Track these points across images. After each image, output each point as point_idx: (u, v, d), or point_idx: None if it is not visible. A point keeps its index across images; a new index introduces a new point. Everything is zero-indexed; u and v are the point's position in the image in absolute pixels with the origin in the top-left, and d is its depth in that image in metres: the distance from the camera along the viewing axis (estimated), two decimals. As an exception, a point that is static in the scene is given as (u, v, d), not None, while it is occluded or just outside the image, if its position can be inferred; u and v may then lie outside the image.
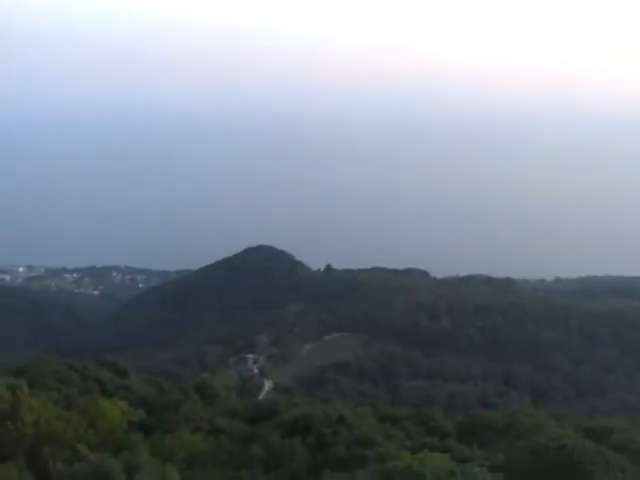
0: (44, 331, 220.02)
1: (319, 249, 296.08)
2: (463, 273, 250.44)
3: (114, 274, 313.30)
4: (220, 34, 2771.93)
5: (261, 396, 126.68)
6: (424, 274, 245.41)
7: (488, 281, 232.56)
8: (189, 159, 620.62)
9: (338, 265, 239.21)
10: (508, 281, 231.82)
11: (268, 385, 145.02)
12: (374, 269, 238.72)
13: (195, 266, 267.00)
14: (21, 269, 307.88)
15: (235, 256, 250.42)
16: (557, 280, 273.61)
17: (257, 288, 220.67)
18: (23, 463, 29.65)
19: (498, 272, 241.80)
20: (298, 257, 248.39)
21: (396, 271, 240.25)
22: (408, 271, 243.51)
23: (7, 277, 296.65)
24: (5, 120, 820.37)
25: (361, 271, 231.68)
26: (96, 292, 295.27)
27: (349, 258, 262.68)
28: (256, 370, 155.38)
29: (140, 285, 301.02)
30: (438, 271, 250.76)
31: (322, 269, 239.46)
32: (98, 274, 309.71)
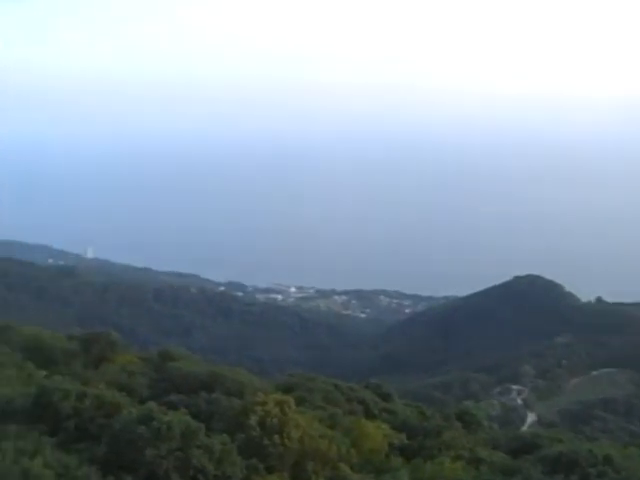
0: (311, 349, 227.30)
1: (589, 281, 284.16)
2: None
3: (381, 298, 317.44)
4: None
5: (524, 428, 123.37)
6: None
7: None
8: (457, 183, 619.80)
9: (609, 298, 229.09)
10: None
11: (531, 417, 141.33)
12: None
13: (462, 293, 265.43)
14: (292, 289, 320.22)
15: (503, 284, 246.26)
16: None
17: (524, 317, 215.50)
18: (287, 476, 30.46)
19: None
20: (568, 288, 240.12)
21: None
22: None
23: (279, 297, 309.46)
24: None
25: (633, 305, 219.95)
26: (363, 315, 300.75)
27: (621, 291, 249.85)
28: (520, 401, 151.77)
29: (407, 310, 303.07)
30: None
31: (592, 301, 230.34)
32: (366, 297, 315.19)
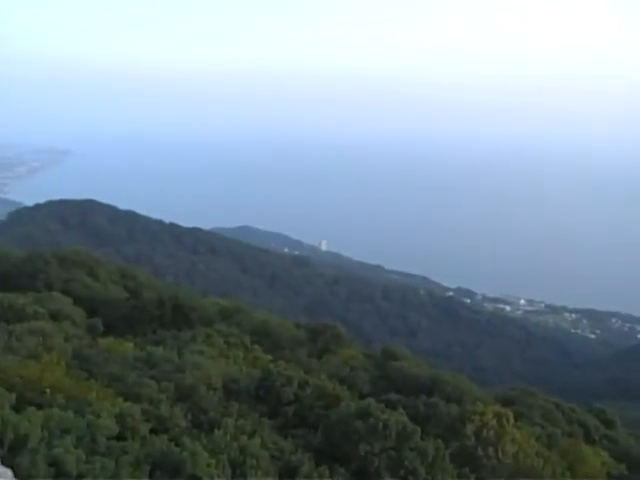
0: (535, 365, 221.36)
1: None
2: None
3: (613, 320, 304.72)
4: None
5: None
6: None
7: None
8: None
9: None
10: None
11: None
12: None
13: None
14: (522, 302, 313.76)
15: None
16: None
17: None
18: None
19: None
20: None
21: None
22: None
23: (507, 308, 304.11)
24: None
25: None
26: (592, 335, 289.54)
27: None
28: None
29: (638, 335, 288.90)
30: None
31: None
32: (597, 318, 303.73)
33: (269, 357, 44.94)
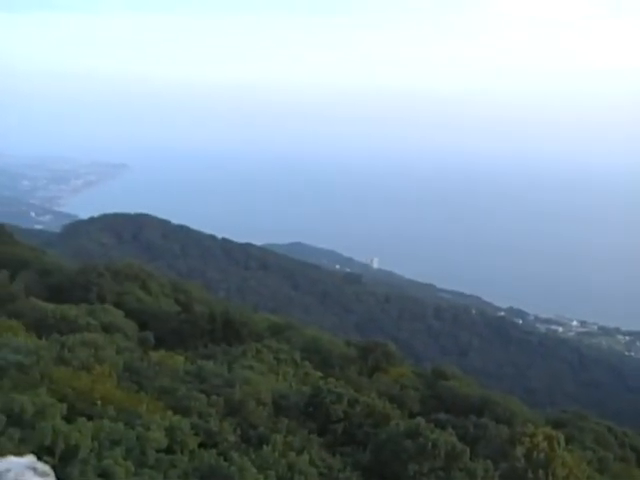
0: (587, 387, 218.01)
1: None
2: None
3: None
4: None
5: None
6: None
7: None
8: None
9: None
10: None
11: None
12: None
13: None
14: (575, 323, 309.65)
15: None
16: None
17: None
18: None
19: None
20: None
21: None
22: None
23: (560, 329, 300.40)
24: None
25: None
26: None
27: None
28: None
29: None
30: None
31: None
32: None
33: (319, 374, 44.90)
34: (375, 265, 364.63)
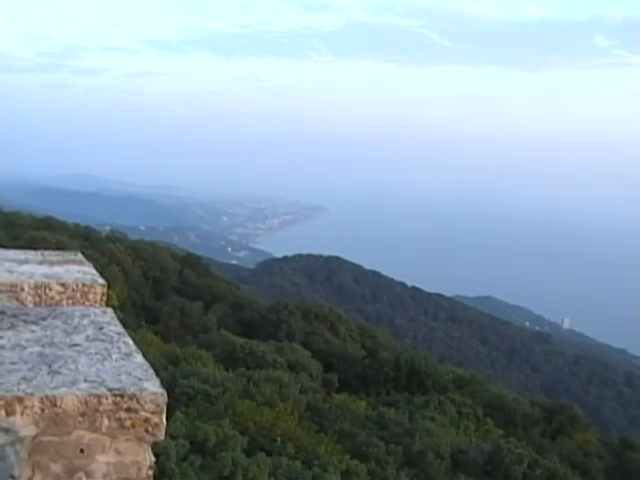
0: None
1: None
2: None
3: None
4: None
5: None
6: None
7: None
8: None
9: None
10: None
11: None
12: None
13: None
14: None
15: None
16: None
17: None
18: None
19: None
20: None
21: None
22: None
23: None
24: None
25: None
26: None
27: None
28: None
29: None
30: None
31: None
32: None
33: (501, 432, 43.71)
34: (566, 325, 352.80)
